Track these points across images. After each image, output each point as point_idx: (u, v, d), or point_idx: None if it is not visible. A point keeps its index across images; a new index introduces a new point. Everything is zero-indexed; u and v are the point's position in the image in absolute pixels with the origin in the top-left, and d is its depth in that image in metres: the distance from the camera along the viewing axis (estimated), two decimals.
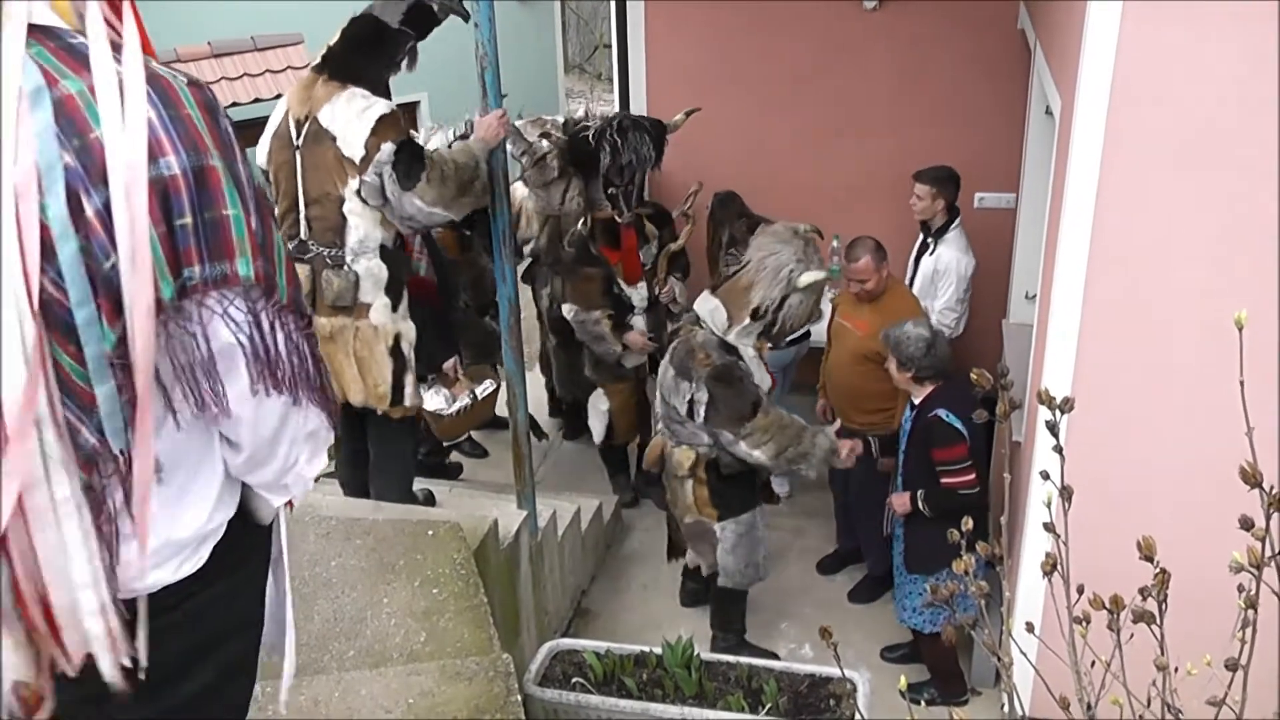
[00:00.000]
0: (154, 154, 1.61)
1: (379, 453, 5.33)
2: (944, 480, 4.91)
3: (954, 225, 6.51)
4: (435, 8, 4.75)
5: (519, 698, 3.75)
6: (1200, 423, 3.64)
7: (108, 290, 1.60)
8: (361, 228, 4.76)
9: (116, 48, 1.64)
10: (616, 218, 6.09)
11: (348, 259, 4.78)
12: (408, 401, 5.04)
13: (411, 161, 4.61)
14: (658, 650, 4.84)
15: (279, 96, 10.86)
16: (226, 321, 1.73)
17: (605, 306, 6.26)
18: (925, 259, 6.59)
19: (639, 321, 6.37)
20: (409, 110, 13.30)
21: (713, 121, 7.19)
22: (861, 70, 7.45)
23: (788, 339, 5.75)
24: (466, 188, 4.70)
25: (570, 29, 19.63)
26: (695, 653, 4.80)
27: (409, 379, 5.01)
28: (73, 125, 1.57)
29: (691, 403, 5.12)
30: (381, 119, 4.63)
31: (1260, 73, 3.37)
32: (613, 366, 6.46)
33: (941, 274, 6.47)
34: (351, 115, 4.65)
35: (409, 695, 3.71)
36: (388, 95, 4.80)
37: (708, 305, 5.22)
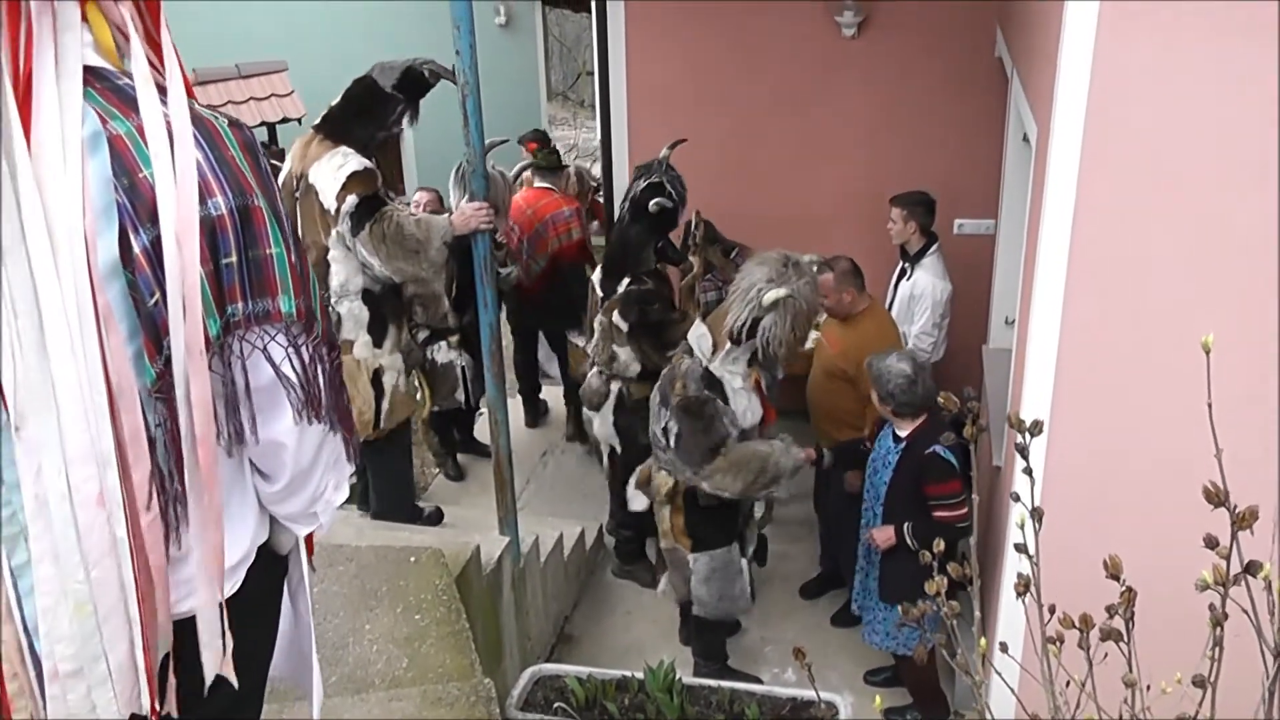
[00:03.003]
0: (202, 196, 1.64)
1: (377, 480, 5.68)
2: (937, 514, 4.85)
3: (931, 251, 6.56)
4: (425, 73, 5.11)
5: None
6: (1178, 445, 3.65)
7: (149, 326, 1.64)
8: (342, 273, 5.16)
9: (160, 89, 1.68)
10: (677, 265, 6.11)
11: (331, 300, 5.16)
12: (383, 424, 5.42)
13: (364, 214, 5.00)
14: (640, 675, 4.85)
15: (263, 124, 10.99)
16: (268, 356, 1.77)
17: None
18: (902, 284, 6.65)
19: None
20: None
21: (693, 147, 7.22)
22: (840, 96, 7.51)
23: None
24: (406, 254, 5.06)
25: (553, 56, 19.67)
26: (677, 677, 4.81)
27: (385, 406, 5.41)
28: (122, 165, 1.60)
29: (665, 430, 5.13)
30: (352, 175, 5.01)
31: (1235, 99, 3.41)
32: None
33: (917, 299, 6.52)
34: (329, 172, 5.03)
35: None
36: (370, 154, 5.16)
37: (696, 332, 5.22)
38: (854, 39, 7.33)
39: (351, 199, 4.99)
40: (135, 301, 1.62)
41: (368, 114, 5.18)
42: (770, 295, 4.90)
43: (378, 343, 5.36)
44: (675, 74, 7.73)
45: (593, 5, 7.99)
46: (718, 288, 6.58)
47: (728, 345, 5.07)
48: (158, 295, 1.62)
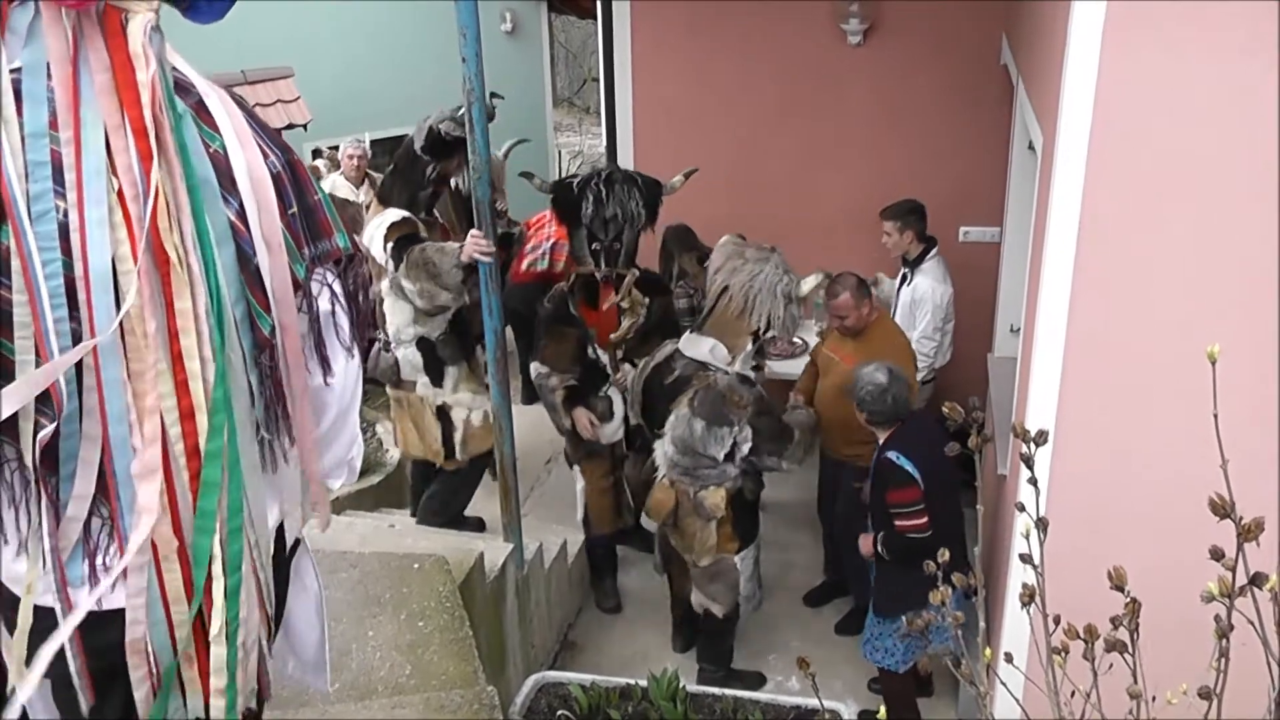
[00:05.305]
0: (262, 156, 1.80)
1: (439, 490, 6.13)
2: (896, 523, 4.86)
3: (930, 255, 6.57)
4: (441, 133, 5.34)
5: None
6: (1183, 455, 3.65)
7: (258, 283, 1.77)
8: (395, 322, 5.59)
9: None
10: (596, 275, 5.72)
11: (392, 344, 5.62)
12: (459, 456, 5.89)
13: (401, 249, 5.35)
14: (643, 683, 4.83)
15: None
16: (332, 294, 1.93)
17: (574, 371, 5.84)
18: (904, 290, 6.65)
19: (614, 389, 5.94)
20: (398, 144, 13.37)
21: (698, 155, 7.23)
22: (846, 104, 7.51)
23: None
24: (429, 277, 5.31)
25: (559, 63, 19.71)
26: (681, 685, 4.79)
27: (457, 439, 5.85)
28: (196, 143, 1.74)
29: (734, 444, 5.13)
30: (391, 225, 5.43)
31: (1241, 107, 3.40)
32: (586, 442, 5.97)
33: (918, 303, 6.53)
34: (372, 230, 5.49)
35: None
36: (420, 210, 5.62)
37: (704, 345, 5.19)
38: (859, 46, 7.33)
39: (390, 244, 5.36)
40: (241, 263, 1.75)
41: (403, 177, 5.54)
42: (809, 283, 5.15)
43: (437, 382, 5.77)
44: (681, 80, 7.74)
45: (598, 12, 8.01)
46: (689, 295, 6.48)
47: (749, 345, 5.15)
48: (258, 256, 1.76)
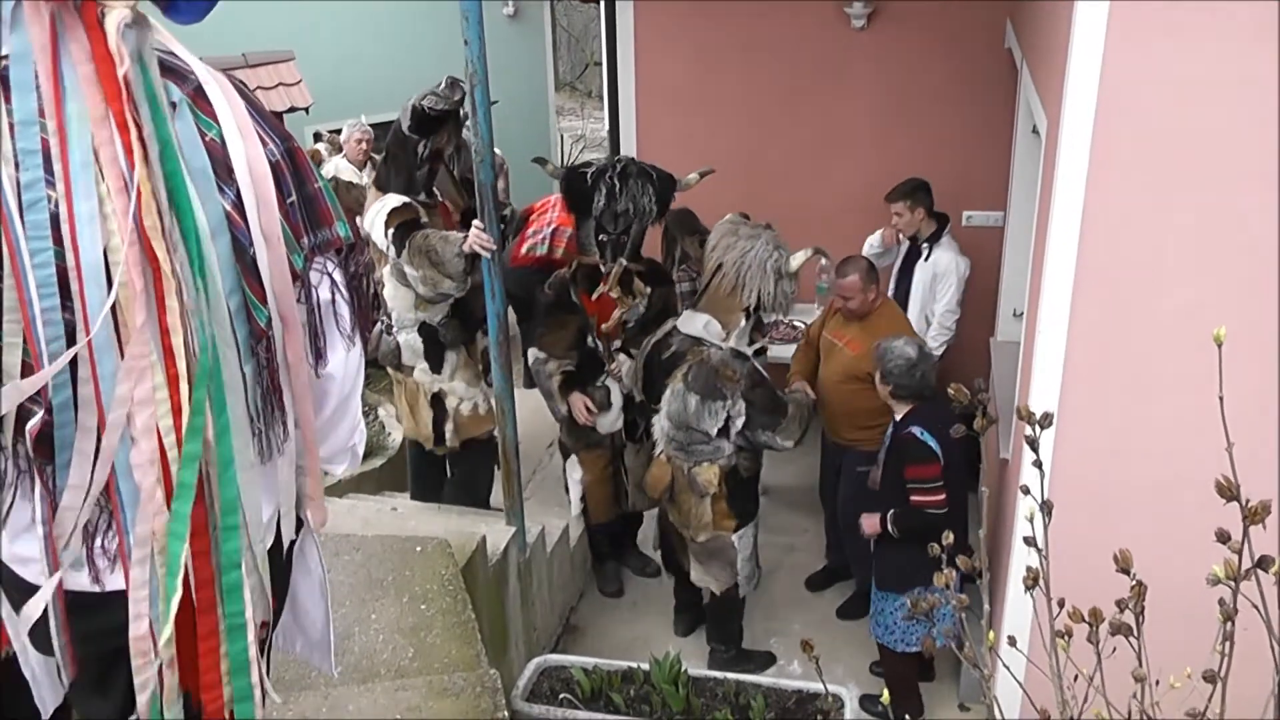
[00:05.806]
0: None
1: (458, 475, 6.28)
2: (913, 498, 4.86)
3: (946, 231, 6.59)
4: (425, 109, 5.30)
5: (506, 713, 3.75)
6: (1187, 439, 3.65)
7: (254, 275, 1.76)
8: (396, 309, 5.69)
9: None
10: (600, 266, 5.67)
11: (394, 328, 5.74)
12: (448, 443, 5.98)
13: (403, 235, 5.37)
14: (645, 666, 4.84)
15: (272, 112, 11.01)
16: (333, 283, 1.92)
17: (571, 357, 5.84)
18: (920, 266, 6.64)
19: (611, 380, 5.94)
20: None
21: (701, 140, 7.23)
22: (849, 89, 7.49)
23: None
24: (431, 264, 5.32)
25: (561, 47, 19.67)
26: (683, 669, 4.80)
27: (448, 427, 5.94)
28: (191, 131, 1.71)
29: (728, 419, 5.16)
30: (392, 211, 5.43)
31: (1245, 92, 3.39)
32: (586, 432, 5.98)
33: (941, 277, 6.54)
34: (372, 216, 5.49)
35: (396, 711, 3.70)
36: (418, 192, 5.56)
37: (699, 321, 5.23)
38: (863, 30, 7.31)
39: (392, 230, 5.36)
40: (237, 254, 1.73)
41: (396, 161, 5.51)
42: (798, 258, 5.19)
43: (436, 369, 5.82)
44: (683, 64, 7.72)
45: None
46: (691, 278, 6.49)
47: (742, 322, 5.19)
48: (254, 246, 1.75)
